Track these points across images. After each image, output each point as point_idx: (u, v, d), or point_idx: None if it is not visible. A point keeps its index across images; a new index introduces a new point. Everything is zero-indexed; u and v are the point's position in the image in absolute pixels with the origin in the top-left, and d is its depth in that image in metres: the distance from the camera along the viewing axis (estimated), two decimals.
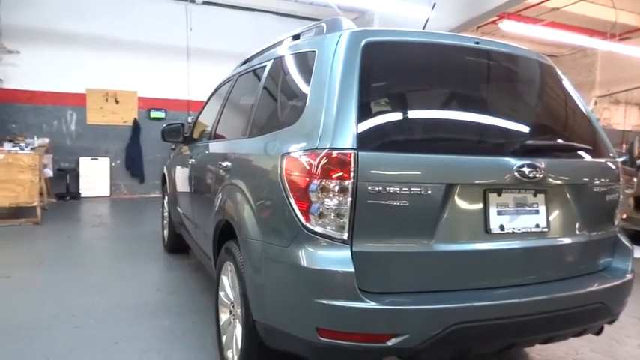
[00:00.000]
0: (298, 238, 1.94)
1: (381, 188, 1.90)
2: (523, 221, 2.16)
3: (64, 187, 9.14)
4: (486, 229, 2.08)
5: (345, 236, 1.89)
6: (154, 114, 9.88)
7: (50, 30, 8.98)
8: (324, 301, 1.86)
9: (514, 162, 2.08)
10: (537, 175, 2.11)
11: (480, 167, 2.07)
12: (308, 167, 1.95)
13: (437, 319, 1.90)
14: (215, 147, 3.44)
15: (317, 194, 1.91)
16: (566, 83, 2.61)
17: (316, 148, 1.95)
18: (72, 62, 9.19)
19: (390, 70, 2.19)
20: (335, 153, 1.90)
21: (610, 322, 2.43)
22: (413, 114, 2.20)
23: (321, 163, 1.91)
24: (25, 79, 8.95)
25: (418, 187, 1.94)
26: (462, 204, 2.05)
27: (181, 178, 4.48)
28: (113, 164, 9.76)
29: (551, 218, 2.23)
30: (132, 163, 9.72)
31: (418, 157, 1.99)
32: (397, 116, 2.13)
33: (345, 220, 1.89)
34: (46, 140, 8.76)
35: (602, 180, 2.41)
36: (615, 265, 2.46)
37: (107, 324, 3.42)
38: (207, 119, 4.16)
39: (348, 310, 1.85)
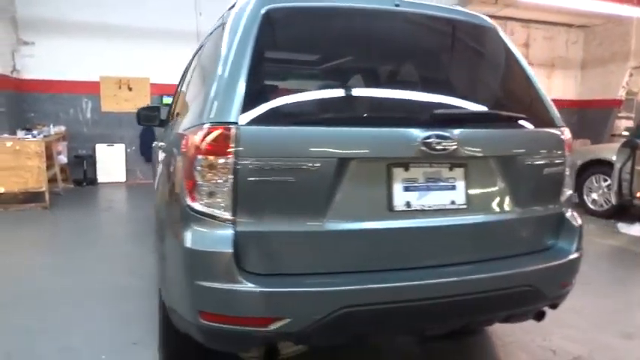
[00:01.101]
0: (186, 218, 1.86)
1: (264, 164, 1.78)
2: (435, 198, 1.99)
3: (81, 173, 9.39)
4: (390, 206, 1.93)
5: (229, 216, 1.80)
6: (166, 100, 9.96)
7: (63, 20, 9.17)
8: (204, 283, 1.78)
9: (419, 133, 1.91)
10: (448, 147, 1.94)
11: (380, 140, 1.92)
12: (192, 144, 1.86)
13: (321, 303, 1.79)
14: (167, 129, 3.41)
15: (200, 172, 1.81)
16: (509, 47, 2.38)
17: (202, 124, 1.85)
18: (85, 51, 9.37)
19: (289, 39, 2.06)
20: (215, 128, 1.80)
21: (551, 307, 2.23)
22: (308, 85, 2.06)
23: (203, 140, 1.81)
24: (42, 69, 9.20)
25: (305, 163, 1.82)
26: (361, 180, 1.90)
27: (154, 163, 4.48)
28: (128, 150, 9.95)
29: (472, 194, 2.05)
30: (146, 148, 9.85)
31: (305, 130, 1.86)
32: (290, 88, 2.01)
33: (228, 198, 1.79)
34: (62, 128, 8.99)
35: (542, 152, 2.21)
36: (559, 245, 2.26)
37: (68, 305, 3.47)
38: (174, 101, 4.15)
39: (226, 292, 1.76)
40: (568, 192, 2.35)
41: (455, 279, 1.92)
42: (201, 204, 1.81)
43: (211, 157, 1.78)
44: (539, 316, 2.28)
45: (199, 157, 1.80)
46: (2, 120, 8.32)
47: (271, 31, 1.99)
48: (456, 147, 1.95)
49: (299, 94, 1.98)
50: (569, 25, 12.45)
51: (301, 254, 1.86)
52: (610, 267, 4.97)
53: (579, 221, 2.35)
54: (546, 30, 12.33)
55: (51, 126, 8.63)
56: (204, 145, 1.79)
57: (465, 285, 1.93)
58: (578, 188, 6.98)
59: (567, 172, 2.34)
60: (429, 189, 1.99)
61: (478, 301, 1.96)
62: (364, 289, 1.82)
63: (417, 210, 1.96)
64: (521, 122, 2.21)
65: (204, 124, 1.82)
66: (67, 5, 9.14)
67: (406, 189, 1.95)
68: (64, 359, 2.75)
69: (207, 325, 1.81)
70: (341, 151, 1.86)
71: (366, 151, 1.90)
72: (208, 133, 1.79)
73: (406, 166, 1.95)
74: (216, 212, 1.80)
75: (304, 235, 1.85)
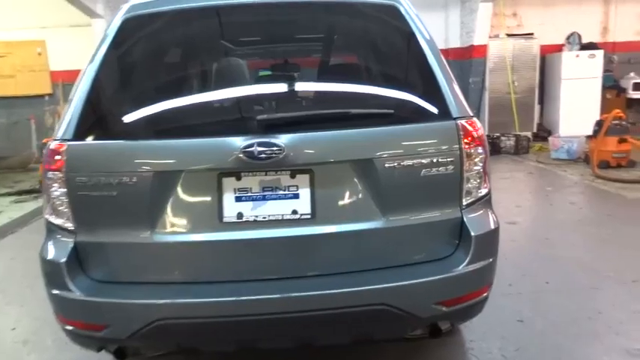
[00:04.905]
0: (47, 228, 2.05)
1: (89, 178, 1.88)
2: (273, 208, 1.88)
3: None
4: (220, 217, 1.88)
5: (71, 227, 1.94)
6: None
7: None
8: (50, 289, 1.96)
9: (240, 142, 1.81)
10: (274, 155, 1.80)
11: (204, 150, 1.86)
12: (44, 159, 2.02)
13: (137, 314, 1.84)
14: None
15: (47, 186, 1.98)
16: (411, 27, 2.06)
17: (54, 140, 2.01)
18: None
19: (136, 48, 2.07)
20: (53, 144, 1.94)
21: (433, 334, 1.97)
22: (142, 97, 2.05)
23: (48, 155, 1.97)
24: None
25: (127, 177, 1.86)
26: (191, 191, 1.89)
27: None
28: None
29: (320, 203, 1.89)
30: None
31: (126, 144, 1.89)
32: (125, 100, 2.03)
33: (68, 210, 1.93)
34: None
35: (422, 150, 1.91)
36: (445, 256, 1.97)
37: None
38: None
39: (62, 299, 1.92)
40: (479, 192, 2.00)
41: (282, 295, 1.80)
42: (52, 215, 1.98)
43: (50, 173, 1.93)
44: (434, 333, 2.02)
45: (45, 172, 1.96)
46: None
47: (123, 42, 2.03)
48: (283, 154, 1.79)
49: (131, 107, 2.00)
50: None
51: (133, 264, 1.93)
52: None
53: (485, 227, 1.99)
54: None
55: None
56: (46, 161, 1.94)
57: (294, 302, 1.81)
58: None
59: (478, 169, 1.98)
60: (265, 199, 1.88)
61: (312, 319, 1.82)
62: (179, 303, 1.82)
63: (250, 221, 1.87)
64: (391, 118, 1.92)
65: (52, 140, 1.97)
66: None
67: (238, 199, 1.87)
68: None
69: (63, 326, 2.00)
70: (162, 163, 1.85)
71: (189, 162, 1.86)
72: (49, 150, 1.94)
73: (237, 176, 1.87)
74: (62, 223, 1.95)
75: (135, 246, 1.90)
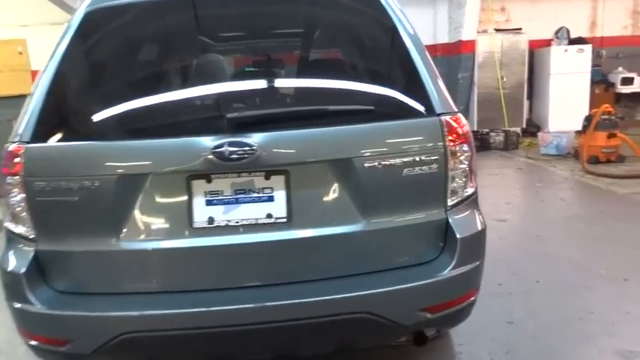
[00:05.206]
0: (7, 236, 1.91)
1: (50, 183, 1.75)
2: (246, 211, 1.77)
3: None
4: (190, 223, 1.76)
5: (31, 235, 1.81)
6: None
7: None
8: (9, 301, 1.83)
9: (210, 142, 1.69)
10: (245, 156, 1.68)
11: (171, 152, 1.74)
12: (2, 162, 1.89)
13: (104, 327, 1.73)
14: None
15: (7, 191, 1.85)
16: (390, 16, 1.95)
17: (11, 142, 1.88)
18: None
19: (100, 43, 1.95)
20: (11, 147, 1.81)
21: (418, 341, 1.87)
22: (106, 96, 1.93)
23: (5, 158, 1.83)
24: None
25: (90, 181, 1.74)
26: (158, 195, 1.77)
27: None
28: None
29: (296, 205, 1.77)
30: None
31: (89, 145, 1.77)
32: (88, 99, 1.91)
33: (27, 217, 1.80)
34: None
35: (403, 148, 1.81)
36: (430, 260, 1.86)
37: None
38: None
39: (22, 312, 1.80)
40: (464, 192, 1.90)
41: (257, 305, 1.69)
42: (11, 223, 1.85)
43: (8, 177, 1.80)
44: (420, 340, 1.92)
45: (4, 176, 1.83)
46: None
47: (85, 36, 1.90)
48: (256, 154, 1.68)
49: (94, 106, 1.87)
50: None
51: (99, 274, 1.80)
52: None
53: (472, 229, 1.89)
54: None
55: None
56: (3, 165, 1.81)
57: (269, 312, 1.70)
58: None
59: (464, 167, 1.88)
60: (238, 202, 1.76)
61: (289, 330, 1.71)
62: (146, 315, 1.71)
63: (221, 226, 1.76)
64: (371, 115, 1.82)
65: (9, 143, 1.84)
66: None
67: (209, 203, 1.76)
68: None
69: (26, 341, 1.87)
70: (126, 166, 1.73)
71: (155, 164, 1.74)
72: (6, 153, 1.81)
73: (208, 178, 1.75)
74: (22, 231, 1.82)
75: (100, 254, 1.78)
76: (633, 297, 3.07)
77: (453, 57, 9.11)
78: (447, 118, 1.84)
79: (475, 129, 8.77)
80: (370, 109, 1.83)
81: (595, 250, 3.87)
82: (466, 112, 9.14)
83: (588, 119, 6.75)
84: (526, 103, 9.23)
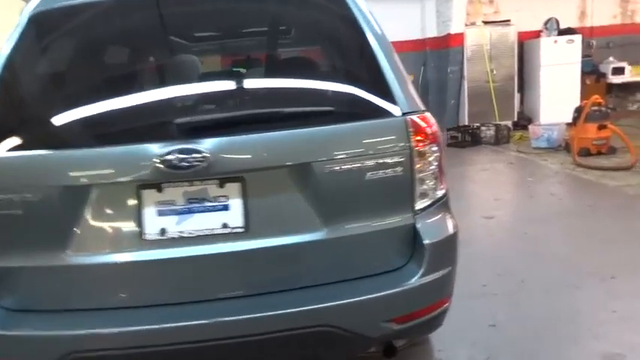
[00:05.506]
0: None
1: None
2: (200, 222, 1.67)
3: None
4: (141, 235, 1.66)
5: None
6: None
7: None
8: None
9: (157, 150, 1.59)
10: (196, 163, 1.58)
11: (117, 160, 1.64)
12: None
13: (51, 346, 1.63)
14: None
15: None
16: (354, 14, 1.85)
17: None
18: None
19: (44, 48, 1.85)
20: None
21: (387, 353, 1.78)
22: (48, 102, 1.82)
23: None
24: None
25: (32, 193, 1.64)
26: (107, 206, 1.67)
27: None
28: None
29: (254, 214, 1.67)
30: None
31: (31, 155, 1.66)
32: (29, 106, 1.80)
33: None
34: None
35: (366, 151, 1.71)
36: (397, 268, 1.77)
37: None
38: None
39: None
40: (434, 195, 1.80)
41: (212, 320, 1.60)
42: None
43: None
44: (389, 352, 1.83)
45: None
46: None
47: (27, 41, 1.80)
48: (209, 161, 1.58)
49: (36, 113, 1.76)
50: None
51: (46, 290, 1.70)
52: None
53: (442, 233, 1.80)
54: None
55: None
56: None
57: (225, 327, 1.60)
58: None
59: (433, 168, 1.79)
60: (191, 212, 1.66)
61: (247, 345, 1.62)
62: (94, 333, 1.61)
63: (174, 238, 1.66)
64: (331, 116, 1.72)
65: None
66: None
67: (161, 213, 1.66)
68: None
69: None
70: (71, 176, 1.63)
71: (103, 174, 1.64)
72: None
73: (159, 188, 1.64)
74: None
75: (47, 269, 1.68)
76: (620, 295, 2.98)
77: (442, 51, 9.00)
78: (414, 117, 1.75)
79: (466, 123, 8.68)
80: (330, 111, 1.73)
81: (583, 247, 3.78)
82: (457, 107, 9.05)
83: (578, 111, 6.66)
84: (517, 95, 9.13)
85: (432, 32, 9.17)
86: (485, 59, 8.68)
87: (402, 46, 9.01)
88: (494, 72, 8.74)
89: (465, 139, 8.15)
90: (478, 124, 8.37)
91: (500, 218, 4.67)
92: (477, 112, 8.79)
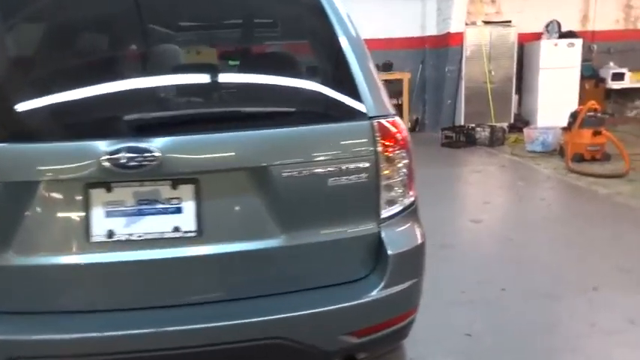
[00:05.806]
0: None
1: None
2: (151, 224, 1.59)
3: None
4: (87, 237, 1.58)
5: None
6: None
7: None
8: None
9: (105, 147, 1.50)
10: (145, 163, 1.50)
11: (63, 157, 1.55)
12: None
13: None
14: None
15: None
16: (326, 13, 1.76)
17: None
18: None
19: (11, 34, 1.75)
20: None
21: None
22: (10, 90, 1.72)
23: None
24: None
25: None
26: (53, 205, 1.58)
27: None
28: None
29: (207, 218, 1.59)
30: None
31: None
32: None
33: None
34: None
35: (329, 155, 1.63)
36: (357, 279, 1.69)
37: None
38: None
39: None
40: (401, 203, 1.72)
41: (157, 329, 1.52)
42: None
43: None
44: None
45: None
46: None
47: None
48: (159, 161, 1.50)
49: None
50: None
51: None
52: None
53: (408, 243, 1.72)
54: None
55: None
56: None
57: (171, 336, 1.53)
58: None
59: (401, 175, 1.71)
60: (141, 213, 1.58)
61: (193, 357, 1.54)
62: (34, 339, 1.53)
63: (122, 241, 1.58)
64: (293, 118, 1.63)
65: None
66: None
67: (109, 214, 1.57)
68: None
69: None
70: (13, 172, 1.54)
71: (47, 171, 1.55)
72: None
73: (108, 187, 1.56)
74: None
75: None
76: (600, 307, 2.91)
77: (441, 49, 8.90)
78: (382, 121, 1.66)
79: (462, 123, 8.58)
80: (293, 111, 1.65)
81: (567, 256, 3.71)
82: (453, 106, 8.95)
83: (574, 116, 6.56)
84: (515, 97, 9.04)
85: (432, 30, 9.06)
86: (484, 59, 8.58)
87: (401, 44, 8.94)
88: (493, 73, 8.65)
89: (459, 139, 8.06)
90: (473, 125, 8.27)
91: (487, 222, 4.59)
92: (473, 112, 8.70)
